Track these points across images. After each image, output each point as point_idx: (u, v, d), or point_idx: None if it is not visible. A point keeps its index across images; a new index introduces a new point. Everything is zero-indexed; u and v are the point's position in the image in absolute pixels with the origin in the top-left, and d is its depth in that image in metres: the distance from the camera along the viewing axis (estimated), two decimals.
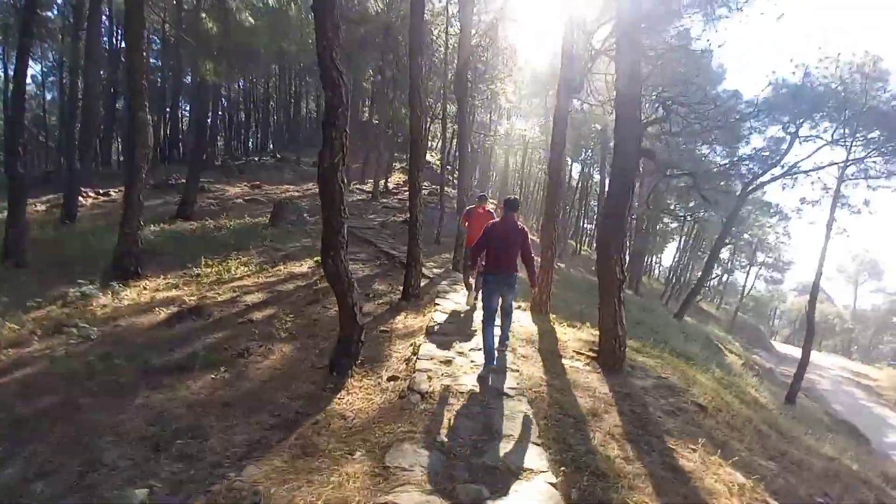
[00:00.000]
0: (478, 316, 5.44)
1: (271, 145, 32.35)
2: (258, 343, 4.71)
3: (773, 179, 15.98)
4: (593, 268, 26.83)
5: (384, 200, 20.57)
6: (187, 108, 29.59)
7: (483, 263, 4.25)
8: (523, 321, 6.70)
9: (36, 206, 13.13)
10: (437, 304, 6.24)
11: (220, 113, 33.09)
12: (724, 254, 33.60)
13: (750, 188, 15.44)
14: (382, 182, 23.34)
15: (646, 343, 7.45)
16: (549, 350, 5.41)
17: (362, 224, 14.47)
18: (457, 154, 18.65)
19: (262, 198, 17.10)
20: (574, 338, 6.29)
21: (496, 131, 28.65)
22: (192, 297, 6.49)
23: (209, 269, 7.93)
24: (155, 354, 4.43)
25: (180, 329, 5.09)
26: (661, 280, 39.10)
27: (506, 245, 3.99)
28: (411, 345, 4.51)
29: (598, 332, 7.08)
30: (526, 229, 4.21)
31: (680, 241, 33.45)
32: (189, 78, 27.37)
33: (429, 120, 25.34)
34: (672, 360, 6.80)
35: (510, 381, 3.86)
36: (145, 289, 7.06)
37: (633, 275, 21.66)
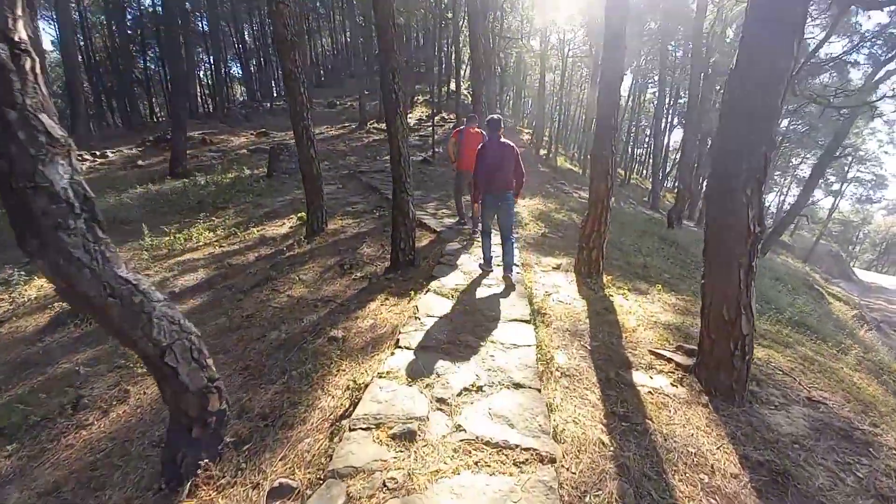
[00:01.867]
0: (502, 306, 3.35)
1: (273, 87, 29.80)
2: (114, 382, 2.84)
3: None
4: (645, 198, 23.12)
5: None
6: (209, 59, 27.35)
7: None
8: (566, 292, 4.49)
9: None
10: (436, 279, 4.13)
11: (237, 59, 30.87)
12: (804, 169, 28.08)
13: (877, 77, 11.17)
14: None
15: None
16: (609, 353, 3.23)
17: (371, 167, 12.28)
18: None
19: (268, 146, 15.19)
20: (645, 318, 4.03)
21: (527, 44, 24.09)
22: None
23: (167, 238, 6.24)
24: None
25: (47, 344, 3.41)
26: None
27: (498, 166, 4.05)
28: (353, 387, 2.44)
29: (676, 300, 4.72)
30: (514, 145, 4.20)
31: None
32: (203, 23, 24.96)
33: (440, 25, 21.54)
34: (798, 339, 4.39)
35: (544, 471, 1.78)
36: None
37: (692, 199, 17.85)
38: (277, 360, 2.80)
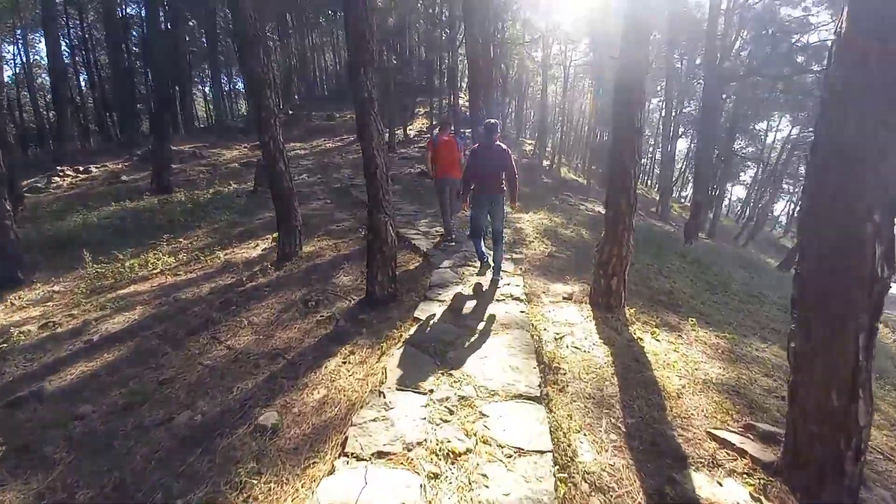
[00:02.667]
0: (501, 365, 2.42)
1: (280, 103, 29.40)
2: None
3: None
4: (653, 209, 22.13)
5: (402, 150, 17.34)
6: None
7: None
8: (582, 332, 3.55)
9: None
10: (418, 322, 3.20)
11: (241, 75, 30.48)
12: None
13: None
14: (401, 131, 19.92)
15: None
16: (654, 438, 2.28)
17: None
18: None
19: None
20: (689, 372, 3.08)
21: (529, 53, 23.46)
22: (35, 322, 3.94)
23: (118, 265, 5.38)
24: None
25: None
26: (728, 215, 33.12)
27: (492, 168, 4.04)
28: None
29: (717, 340, 3.79)
30: (508, 149, 4.16)
31: (758, 168, 27.23)
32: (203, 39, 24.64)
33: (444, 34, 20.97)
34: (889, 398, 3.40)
35: None
36: None
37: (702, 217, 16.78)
38: (169, 471, 1.87)
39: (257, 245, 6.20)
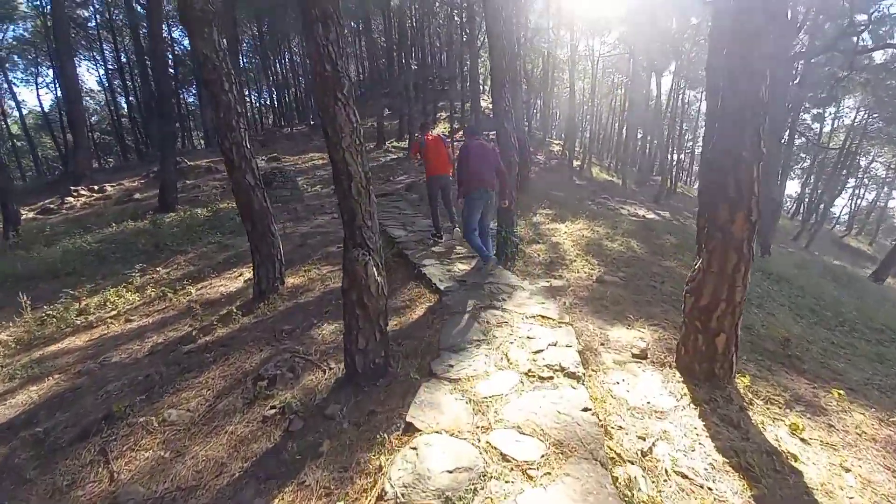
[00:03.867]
0: None
1: (295, 113, 29.14)
2: None
3: None
4: (696, 209, 19.80)
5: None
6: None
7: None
8: (679, 430, 2.13)
9: None
10: (415, 432, 1.87)
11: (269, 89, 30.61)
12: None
13: None
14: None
15: None
16: None
17: (381, 190, 10.30)
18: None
19: (277, 172, 13.66)
20: None
21: (554, 50, 21.79)
22: None
23: (73, 305, 4.38)
24: None
25: None
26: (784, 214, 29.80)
27: (486, 162, 4.03)
28: None
29: None
30: (494, 146, 4.34)
31: (814, 159, 24.13)
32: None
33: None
34: None
35: None
36: None
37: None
38: None
39: (241, 275, 5.09)
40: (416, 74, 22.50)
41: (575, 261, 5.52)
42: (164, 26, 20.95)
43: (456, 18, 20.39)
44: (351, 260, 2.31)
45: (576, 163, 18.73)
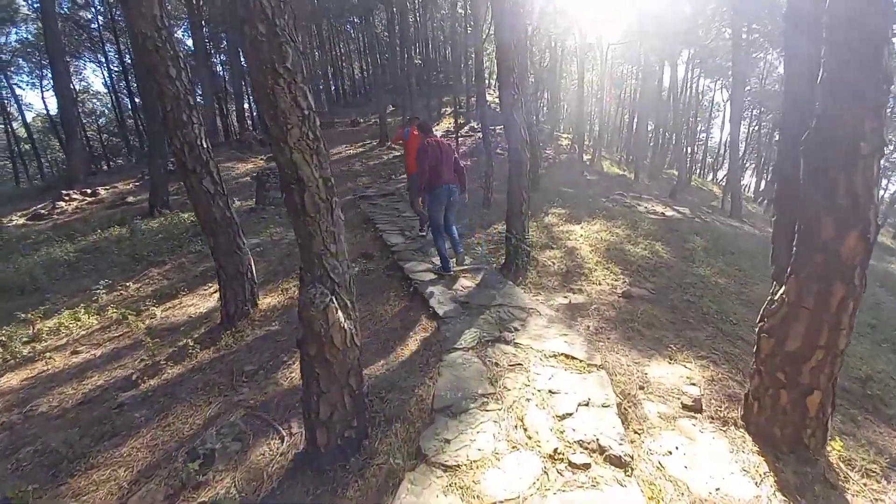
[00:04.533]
0: None
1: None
2: None
3: None
4: (714, 203, 18.75)
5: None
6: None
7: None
8: None
9: None
10: None
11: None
12: None
13: None
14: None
15: None
16: None
17: (381, 190, 9.63)
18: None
19: (269, 172, 13.07)
20: None
21: (562, 42, 20.84)
22: None
23: (21, 331, 3.80)
24: None
25: None
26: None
27: (445, 158, 3.99)
28: None
29: None
30: (449, 143, 4.26)
31: None
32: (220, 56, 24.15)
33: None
34: None
35: None
36: None
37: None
38: None
39: (216, 292, 4.46)
40: (419, 69, 21.74)
41: (595, 269, 4.79)
42: None
43: (460, 10, 19.56)
44: (306, 303, 1.63)
45: (586, 157, 17.88)
